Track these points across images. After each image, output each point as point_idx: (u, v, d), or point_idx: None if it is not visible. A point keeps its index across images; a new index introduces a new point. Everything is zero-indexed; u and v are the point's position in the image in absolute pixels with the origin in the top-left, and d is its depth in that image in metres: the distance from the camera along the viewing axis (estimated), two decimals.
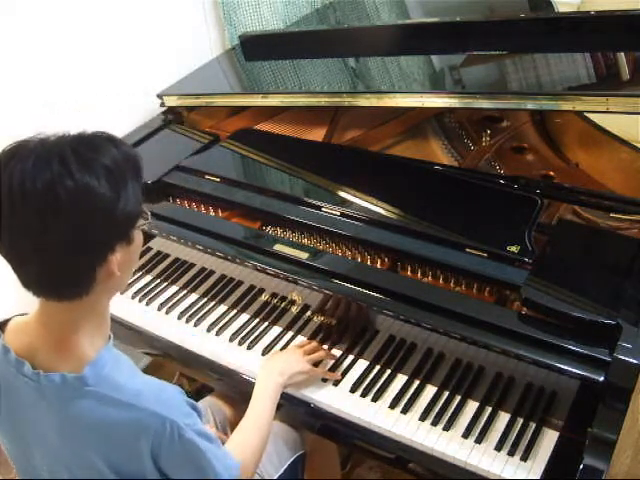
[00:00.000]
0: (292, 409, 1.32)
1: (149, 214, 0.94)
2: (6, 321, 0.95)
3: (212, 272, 1.53)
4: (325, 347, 1.38)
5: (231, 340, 1.43)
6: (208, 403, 1.46)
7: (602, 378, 1.05)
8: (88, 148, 0.82)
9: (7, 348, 0.90)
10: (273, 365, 1.27)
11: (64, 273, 0.83)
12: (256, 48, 2.12)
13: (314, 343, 1.36)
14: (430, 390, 1.27)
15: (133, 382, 0.90)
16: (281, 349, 1.40)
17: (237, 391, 1.41)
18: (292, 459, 1.31)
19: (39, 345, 0.89)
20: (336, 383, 1.31)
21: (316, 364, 1.32)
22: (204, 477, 0.94)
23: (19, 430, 0.95)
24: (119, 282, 0.92)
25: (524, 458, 1.13)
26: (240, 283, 1.50)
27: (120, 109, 1.88)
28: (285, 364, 1.26)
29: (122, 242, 0.86)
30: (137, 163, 0.88)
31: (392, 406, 1.24)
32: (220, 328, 1.46)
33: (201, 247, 1.48)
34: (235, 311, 1.51)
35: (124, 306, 1.54)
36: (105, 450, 0.89)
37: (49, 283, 0.85)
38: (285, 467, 1.29)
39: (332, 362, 1.35)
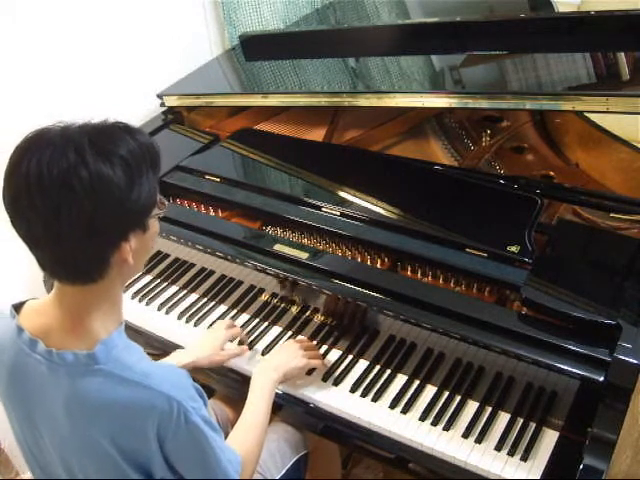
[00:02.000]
0: (292, 409, 1.32)
1: (166, 203, 0.96)
2: (22, 303, 0.97)
3: (212, 272, 1.53)
4: (324, 347, 1.38)
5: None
6: (211, 405, 1.46)
7: (602, 378, 1.05)
8: (105, 138, 0.84)
9: (21, 328, 0.92)
10: (267, 362, 1.28)
11: (78, 259, 0.85)
12: (256, 48, 2.12)
13: (311, 343, 1.37)
14: (430, 390, 1.27)
15: (142, 364, 0.91)
16: None
17: (238, 392, 1.41)
18: (295, 459, 1.31)
19: (53, 325, 0.91)
20: (336, 383, 1.31)
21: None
22: (208, 468, 0.95)
23: (30, 411, 0.96)
24: (133, 268, 0.94)
25: (524, 458, 1.13)
26: (240, 283, 1.50)
27: (120, 109, 1.88)
28: (280, 360, 1.27)
29: (136, 230, 0.88)
30: (154, 153, 0.89)
31: (392, 406, 1.24)
32: None
33: (201, 247, 1.48)
34: (235, 311, 1.51)
35: (124, 306, 1.54)
36: (112, 430, 0.89)
37: (63, 268, 0.87)
38: (288, 467, 1.29)
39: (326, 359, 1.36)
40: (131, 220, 0.87)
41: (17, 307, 0.96)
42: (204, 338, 1.36)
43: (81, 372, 0.88)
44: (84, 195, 0.80)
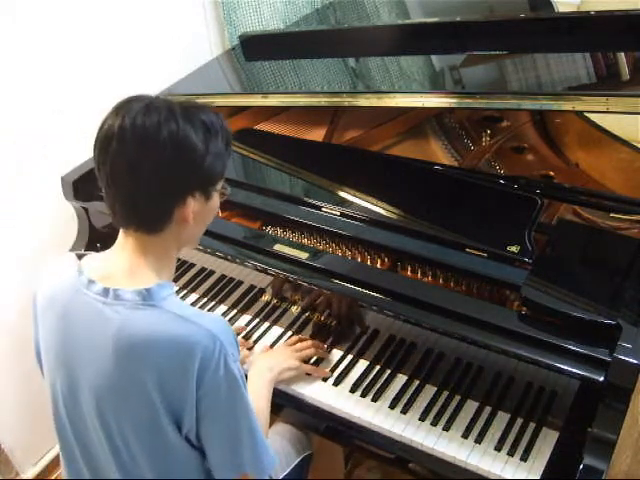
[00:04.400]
0: (292, 409, 1.32)
1: (229, 189, 1.08)
2: (83, 254, 1.06)
3: (212, 272, 1.53)
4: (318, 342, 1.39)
5: None
6: None
7: (602, 378, 1.05)
8: (193, 107, 0.97)
9: (81, 270, 1.01)
10: (262, 362, 1.29)
11: (148, 203, 0.95)
12: (256, 48, 2.12)
13: (306, 342, 1.37)
14: (430, 390, 1.27)
15: (189, 307, 1.02)
16: None
17: None
18: (298, 460, 1.31)
19: (112, 270, 0.99)
20: (336, 383, 1.31)
21: (311, 362, 1.33)
22: (236, 428, 0.97)
23: (74, 352, 0.99)
24: (190, 234, 1.03)
25: (524, 458, 1.13)
26: (240, 283, 1.50)
27: None
28: (274, 360, 1.29)
29: (202, 193, 0.98)
30: (229, 133, 1.01)
31: (392, 406, 1.24)
32: None
33: (201, 247, 1.48)
34: (235, 311, 1.51)
35: None
36: (158, 368, 0.92)
37: (132, 211, 0.96)
38: (291, 467, 1.29)
39: (326, 359, 1.36)
40: (199, 182, 0.97)
41: (80, 256, 1.05)
42: None
43: (135, 306, 0.94)
44: (169, 144, 0.91)
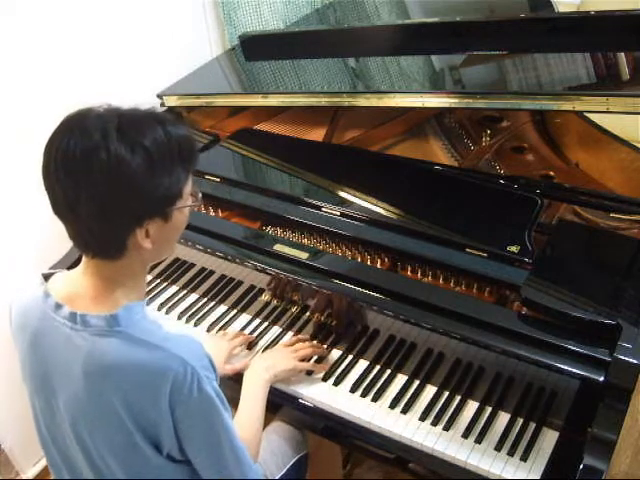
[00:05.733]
0: (292, 409, 1.32)
1: (200, 196, 0.99)
2: (51, 274, 1.02)
3: (212, 272, 1.53)
4: (324, 347, 1.38)
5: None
6: None
7: (602, 378, 1.05)
8: (133, 126, 0.87)
9: (48, 293, 0.97)
10: (259, 363, 1.29)
11: (94, 235, 0.89)
12: (256, 48, 2.12)
13: (305, 343, 1.37)
14: (430, 390, 1.27)
15: (160, 330, 0.95)
16: None
17: (238, 394, 1.41)
18: (295, 459, 1.31)
19: (79, 293, 0.95)
20: (336, 383, 1.31)
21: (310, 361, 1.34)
22: (218, 446, 0.96)
23: (47, 376, 0.98)
24: (153, 254, 0.97)
25: (524, 458, 1.13)
26: (240, 283, 1.50)
27: None
28: (271, 361, 1.29)
29: (155, 218, 0.90)
30: (185, 147, 0.91)
31: (392, 406, 1.24)
32: (220, 328, 1.46)
33: (201, 247, 1.48)
34: (235, 311, 1.51)
35: None
36: (125, 388, 0.91)
37: (83, 241, 0.91)
38: (288, 467, 1.29)
39: (326, 359, 1.36)
40: (148, 208, 0.89)
41: (46, 276, 1.01)
42: (208, 346, 1.35)
43: (102, 333, 0.91)
44: (100, 176, 0.83)
